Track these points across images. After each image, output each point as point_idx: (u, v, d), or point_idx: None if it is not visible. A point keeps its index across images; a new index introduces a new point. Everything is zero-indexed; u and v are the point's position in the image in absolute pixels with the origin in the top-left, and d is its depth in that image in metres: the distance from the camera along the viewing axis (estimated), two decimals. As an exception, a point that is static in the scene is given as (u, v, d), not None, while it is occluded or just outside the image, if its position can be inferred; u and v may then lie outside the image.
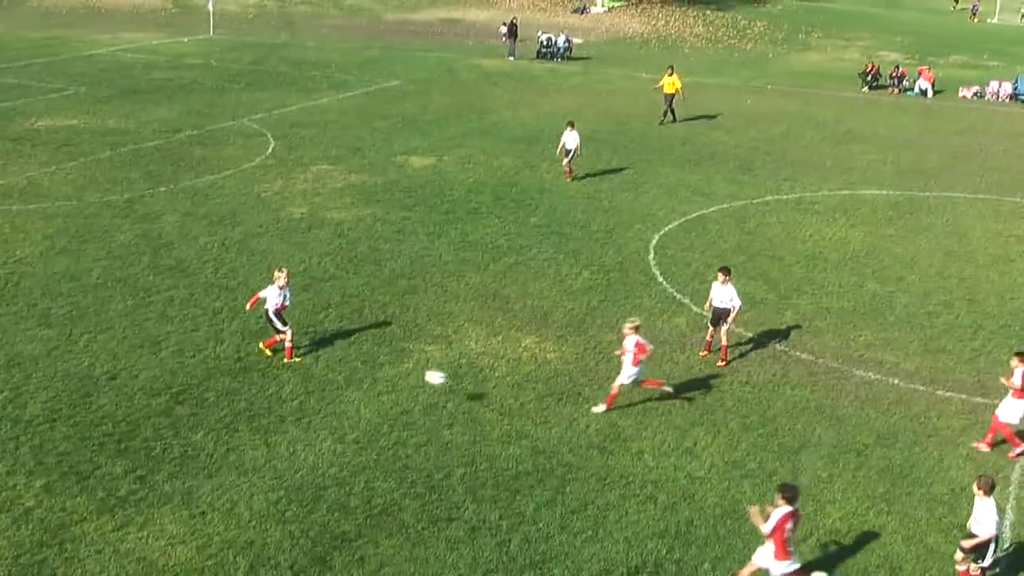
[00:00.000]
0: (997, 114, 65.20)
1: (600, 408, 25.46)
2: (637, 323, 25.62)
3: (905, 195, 45.13)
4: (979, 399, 27.10)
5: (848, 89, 70.38)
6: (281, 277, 27.04)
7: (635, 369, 25.14)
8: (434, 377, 25.63)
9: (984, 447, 24.72)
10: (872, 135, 56.49)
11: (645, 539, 20.75)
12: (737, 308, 28.16)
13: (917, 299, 33.48)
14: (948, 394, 27.38)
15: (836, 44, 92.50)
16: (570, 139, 44.00)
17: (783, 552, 18.55)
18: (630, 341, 25.03)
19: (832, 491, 22.75)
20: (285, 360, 27.15)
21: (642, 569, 19.87)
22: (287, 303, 27.47)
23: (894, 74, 70.65)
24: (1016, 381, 24.24)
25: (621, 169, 46.60)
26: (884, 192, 45.37)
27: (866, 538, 21.19)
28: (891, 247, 38.27)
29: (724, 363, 28.13)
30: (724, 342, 28.30)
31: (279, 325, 27.22)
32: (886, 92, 70.18)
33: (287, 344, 27.26)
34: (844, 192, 45.04)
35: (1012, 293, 34.36)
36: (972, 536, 19.63)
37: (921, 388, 27.59)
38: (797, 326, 30.96)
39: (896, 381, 27.81)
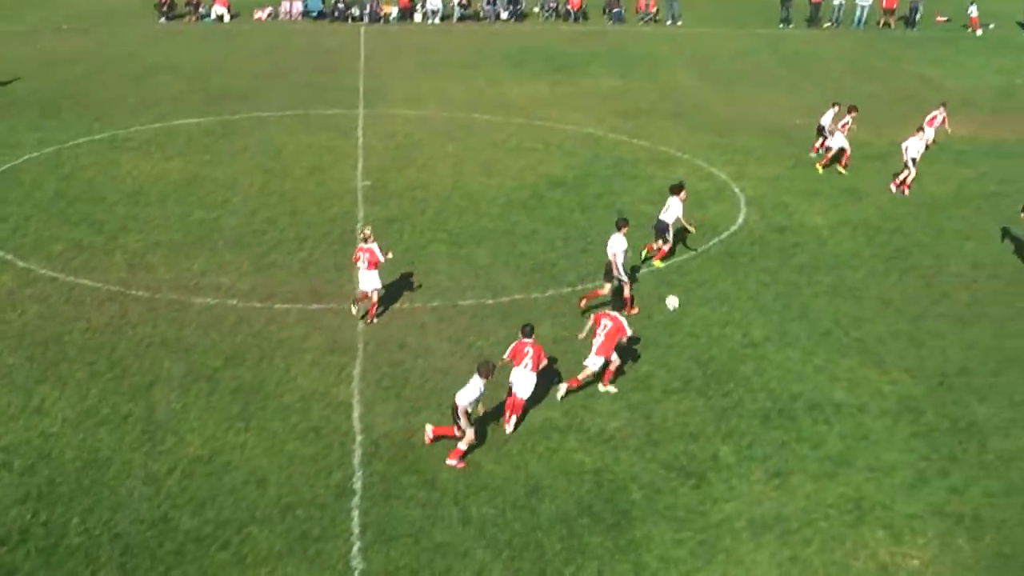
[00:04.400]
0: (293, 32, 67.68)
1: None
2: None
3: (218, 120, 45.70)
4: (314, 306, 28.30)
5: (144, 22, 69.65)
6: None
7: None
8: (672, 302, 27.87)
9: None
10: (177, 65, 56.45)
11: (7, 508, 19.87)
12: None
13: (243, 220, 34.20)
14: (285, 306, 28.33)
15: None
16: None
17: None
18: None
19: (189, 420, 22.91)
20: None
21: (7, 540, 19.04)
22: None
23: (189, 2, 70.71)
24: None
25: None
26: (197, 120, 45.65)
27: (230, 459, 21.60)
28: (211, 173, 38.71)
29: None
30: None
31: None
32: (183, 21, 70.28)
33: None
34: (157, 125, 44.81)
35: (329, 201, 35.97)
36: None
37: (259, 305, 28.33)
38: (128, 264, 30.63)
39: (235, 302, 28.36)
